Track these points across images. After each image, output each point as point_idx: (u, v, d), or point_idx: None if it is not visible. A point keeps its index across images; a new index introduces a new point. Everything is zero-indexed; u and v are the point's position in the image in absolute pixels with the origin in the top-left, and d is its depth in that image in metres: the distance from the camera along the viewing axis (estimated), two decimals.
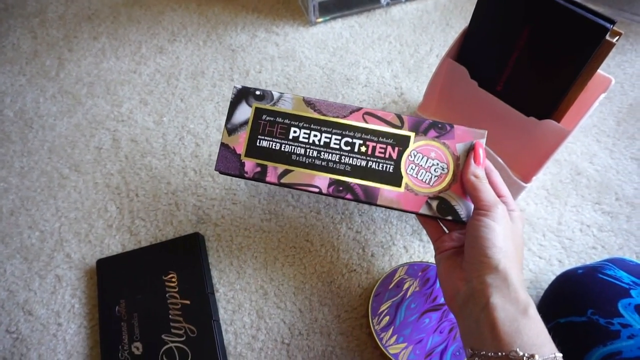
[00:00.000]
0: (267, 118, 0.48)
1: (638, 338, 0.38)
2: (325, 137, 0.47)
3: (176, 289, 0.52)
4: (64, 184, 0.61)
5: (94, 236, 0.58)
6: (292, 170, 0.47)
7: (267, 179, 0.47)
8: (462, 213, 0.44)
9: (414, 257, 0.55)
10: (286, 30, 0.74)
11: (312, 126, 0.48)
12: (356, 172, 0.46)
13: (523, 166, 0.56)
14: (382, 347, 0.47)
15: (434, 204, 0.45)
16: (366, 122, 0.47)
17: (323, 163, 0.47)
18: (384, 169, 0.46)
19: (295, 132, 0.47)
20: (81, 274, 0.55)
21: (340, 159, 0.47)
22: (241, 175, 0.47)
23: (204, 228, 0.58)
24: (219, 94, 0.68)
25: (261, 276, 0.54)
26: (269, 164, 0.47)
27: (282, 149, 0.47)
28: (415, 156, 0.46)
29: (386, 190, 0.45)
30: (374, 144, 0.47)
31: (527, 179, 0.53)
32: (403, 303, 0.50)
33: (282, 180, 0.47)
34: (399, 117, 0.47)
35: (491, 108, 0.54)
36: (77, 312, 0.53)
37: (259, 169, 0.47)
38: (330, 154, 0.47)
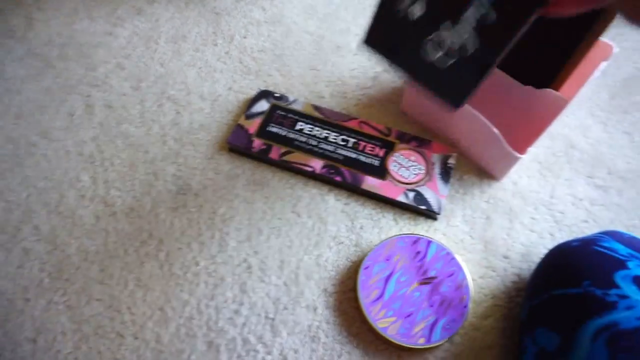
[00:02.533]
0: (280, 113, 0.59)
1: (636, 309, 0.37)
2: (325, 133, 0.57)
3: None
4: (33, 151, 0.57)
5: (65, 207, 0.54)
6: (292, 152, 0.56)
7: (270, 155, 0.55)
8: (434, 205, 0.52)
9: (404, 230, 0.53)
10: None
11: (315, 124, 0.58)
12: (347, 161, 0.55)
13: (518, 137, 0.54)
14: (370, 321, 0.45)
15: (411, 195, 0.53)
16: (361, 128, 0.58)
17: (320, 150, 0.56)
18: (371, 162, 0.55)
19: (301, 125, 0.58)
20: (50, 247, 0.52)
21: (335, 149, 0.56)
22: (248, 149, 0.56)
23: (184, 199, 0.54)
24: (202, 59, 0.65)
25: (245, 249, 0.52)
26: (274, 144, 0.56)
27: (288, 136, 0.57)
28: (398, 157, 0.55)
29: (370, 179, 0.54)
30: (365, 143, 0.56)
31: (521, 150, 0.51)
32: (393, 276, 0.48)
33: (283, 158, 0.55)
34: (388, 128, 0.58)
35: None
36: (47, 287, 0.50)
37: (264, 147, 0.56)
38: (328, 145, 0.56)
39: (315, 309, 0.49)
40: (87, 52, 0.65)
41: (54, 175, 0.56)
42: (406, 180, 0.54)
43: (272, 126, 0.58)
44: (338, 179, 0.54)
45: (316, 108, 0.59)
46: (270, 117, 0.58)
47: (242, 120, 0.58)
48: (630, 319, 0.37)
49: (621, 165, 0.58)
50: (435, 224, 0.53)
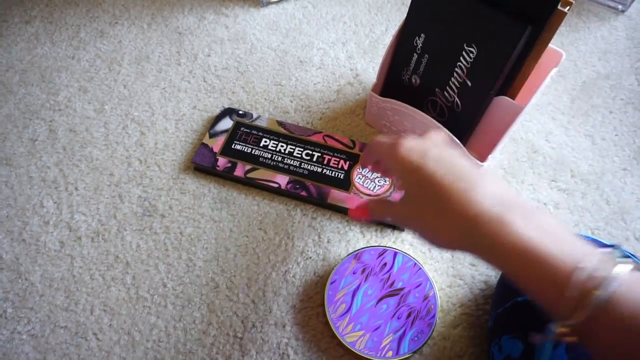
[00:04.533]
0: (244, 130, 0.59)
1: None
2: (290, 148, 0.57)
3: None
4: None
5: (29, 234, 0.53)
6: (257, 169, 0.56)
7: (235, 173, 0.55)
8: None
9: (371, 242, 0.53)
10: (236, 12, 0.71)
11: (280, 139, 0.58)
12: (312, 175, 0.55)
13: (479, 145, 0.55)
14: (338, 336, 0.45)
15: None
16: (325, 142, 0.58)
17: (285, 166, 0.56)
18: (336, 175, 0.55)
19: (265, 141, 0.58)
20: (14, 276, 0.51)
21: (300, 164, 0.56)
22: (213, 168, 0.56)
23: (151, 220, 0.54)
24: (165, 79, 0.64)
25: (212, 268, 0.51)
26: (239, 162, 0.56)
27: (252, 153, 0.57)
28: (362, 170, 0.55)
29: (336, 192, 0.54)
30: (330, 157, 0.57)
31: (483, 157, 0.52)
32: (360, 289, 0.48)
33: (248, 175, 0.55)
34: (352, 140, 0.58)
35: None
36: (10, 317, 0.49)
37: (229, 165, 0.56)
38: (292, 160, 0.56)
39: (284, 326, 0.48)
40: (49, 76, 0.64)
41: (17, 202, 0.55)
42: (371, 193, 0.54)
43: (237, 143, 0.57)
44: (304, 193, 0.54)
45: (280, 124, 0.59)
46: (234, 134, 0.58)
47: (206, 139, 0.58)
48: None
49: (584, 167, 0.59)
50: (403, 234, 0.53)
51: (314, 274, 0.51)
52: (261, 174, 0.55)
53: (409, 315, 0.46)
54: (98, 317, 0.49)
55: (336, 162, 0.56)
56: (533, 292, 0.29)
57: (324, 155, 0.57)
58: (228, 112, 0.60)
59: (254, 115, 0.60)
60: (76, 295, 0.50)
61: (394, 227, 0.53)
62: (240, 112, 0.60)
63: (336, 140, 0.58)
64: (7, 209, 0.55)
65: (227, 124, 0.59)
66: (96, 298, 0.50)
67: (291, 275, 0.51)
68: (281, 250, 0.52)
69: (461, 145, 0.51)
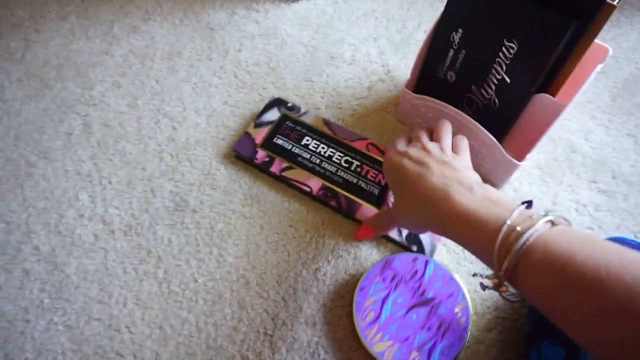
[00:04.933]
0: (289, 124, 0.58)
1: None
2: (330, 151, 0.56)
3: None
4: (32, 172, 0.58)
5: (65, 227, 0.54)
6: (294, 168, 0.55)
7: (272, 169, 0.55)
8: (427, 247, 0.50)
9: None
10: (267, 7, 0.71)
11: (322, 140, 0.57)
12: (346, 185, 0.54)
13: (517, 144, 0.53)
14: (366, 346, 0.44)
15: (405, 232, 0.51)
16: (368, 150, 0.56)
17: (321, 170, 0.55)
18: (370, 190, 0.53)
19: (307, 140, 0.57)
20: (50, 267, 0.52)
21: (336, 171, 0.55)
22: (252, 159, 0.56)
23: (182, 215, 0.54)
24: (197, 74, 0.65)
25: (243, 265, 0.51)
26: (277, 157, 0.56)
27: (292, 150, 0.56)
28: None
29: (366, 208, 0.52)
30: (368, 168, 0.55)
31: (520, 157, 0.50)
32: (389, 298, 0.47)
33: (283, 174, 0.54)
34: None
35: None
36: (47, 308, 0.50)
37: (267, 159, 0.56)
38: (330, 165, 0.55)
39: (314, 325, 0.48)
40: (83, 71, 0.65)
41: (53, 195, 0.56)
42: None
43: (279, 138, 0.57)
44: (333, 203, 0.53)
45: (326, 123, 0.58)
46: (278, 127, 0.58)
47: (251, 129, 0.58)
48: None
49: (626, 168, 0.56)
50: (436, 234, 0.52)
51: (345, 272, 0.51)
52: (296, 174, 0.54)
53: (439, 327, 0.45)
54: (131, 310, 0.49)
55: (374, 176, 0.54)
56: (474, 252, 0.36)
57: (363, 166, 0.55)
58: (276, 102, 0.60)
59: (301, 110, 0.59)
60: (109, 288, 0.51)
61: (402, 246, 0.51)
62: (289, 104, 0.59)
63: (380, 150, 0.56)
64: (44, 202, 0.56)
65: (274, 115, 0.59)
66: (129, 291, 0.50)
67: (322, 273, 0.51)
68: (312, 248, 0.52)
69: (498, 145, 0.49)
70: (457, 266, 0.50)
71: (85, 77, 0.65)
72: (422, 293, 0.47)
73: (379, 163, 0.55)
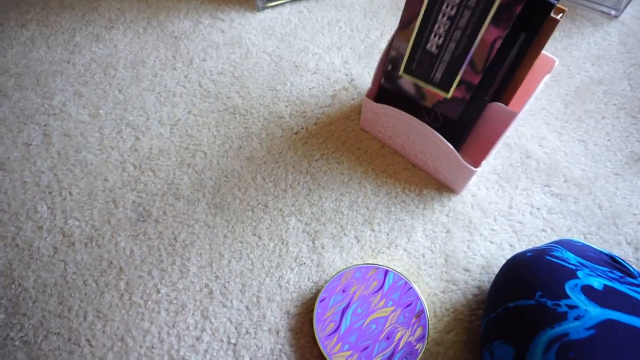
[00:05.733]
0: None
1: (584, 319, 0.38)
2: None
3: None
4: None
5: (22, 239, 0.53)
6: None
7: None
8: None
9: (365, 248, 0.53)
10: (232, 16, 0.71)
11: None
12: None
13: (473, 151, 0.55)
14: (326, 356, 0.45)
15: None
16: None
17: None
18: None
19: None
20: (7, 282, 0.51)
21: None
22: None
23: (145, 226, 0.54)
24: (161, 83, 0.64)
25: (206, 274, 0.51)
26: None
27: None
28: None
29: None
30: None
31: (477, 163, 0.52)
32: (349, 308, 0.47)
33: None
34: None
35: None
36: (3, 324, 0.49)
37: None
38: None
39: (277, 332, 0.48)
40: (44, 80, 0.64)
41: (11, 207, 0.55)
42: None
43: None
44: None
45: None
46: None
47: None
48: (579, 329, 0.38)
49: (577, 172, 0.59)
50: (397, 239, 0.53)
51: (308, 279, 0.51)
52: None
53: (398, 336, 0.46)
54: (91, 323, 0.49)
55: None
56: None
57: None
58: None
59: None
60: (69, 301, 0.50)
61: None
62: None
63: None
64: (1, 214, 0.55)
65: None
66: (89, 304, 0.50)
67: (285, 281, 0.51)
68: (275, 256, 0.52)
69: (455, 152, 0.51)
70: (417, 270, 0.52)
71: (46, 87, 0.64)
72: (382, 303, 0.48)
73: None
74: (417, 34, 0.49)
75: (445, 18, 0.45)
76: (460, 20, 0.45)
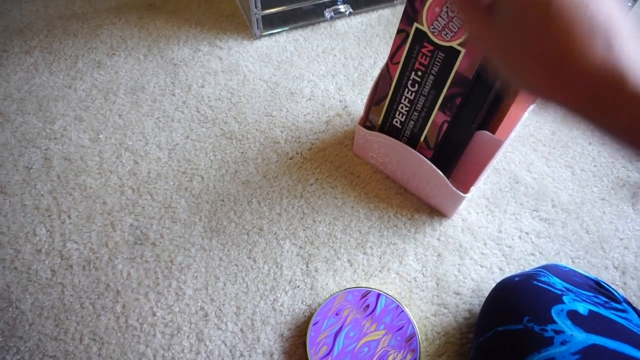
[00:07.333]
0: None
1: (570, 344, 0.39)
2: None
3: None
4: None
5: (21, 262, 0.54)
6: None
7: None
8: None
9: (358, 271, 0.54)
10: (230, 44, 0.73)
11: None
12: None
13: (462, 177, 0.57)
14: None
15: None
16: None
17: None
18: None
19: None
20: (5, 304, 0.51)
21: None
22: None
23: (142, 249, 0.55)
24: (160, 109, 0.66)
25: (202, 297, 0.52)
26: None
27: None
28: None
29: None
30: None
31: (466, 189, 0.53)
32: (342, 331, 0.48)
33: None
34: None
35: None
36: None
37: None
38: None
39: (271, 355, 0.49)
40: (45, 105, 0.66)
41: (10, 230, 0.56)
42: None
43: None
44: None
45: None
46: None
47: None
48: (564, 354, 0.39)
49: (564, 197, 0.61)
50: (389, 263, 0.55)
51: (302, 302, 0.52)
52: None
53: (390, 359, 0.47)
54: (87, 346, 0.49)
55: None
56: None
57: None
58: None
59: None
60: (66, 324, 0.50)
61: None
62: None
63: None
64: (0, 237, 0.55)
65: None
66: (85, 327, 0.50)
67: (279, 304, 0.52)
68: (270, 279, 0.53)
69: (444, 179, 0.53)
70: (409, 294, 0.53)
71: (47, 111, 0.65)
72: (374, 327, 0.48)
73: None
74: (386, 110, 0.56)
75: (406, 101, 0.53)
76: (417, 104, 0.52)
